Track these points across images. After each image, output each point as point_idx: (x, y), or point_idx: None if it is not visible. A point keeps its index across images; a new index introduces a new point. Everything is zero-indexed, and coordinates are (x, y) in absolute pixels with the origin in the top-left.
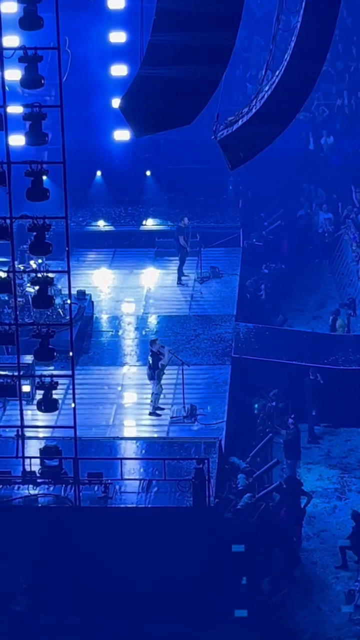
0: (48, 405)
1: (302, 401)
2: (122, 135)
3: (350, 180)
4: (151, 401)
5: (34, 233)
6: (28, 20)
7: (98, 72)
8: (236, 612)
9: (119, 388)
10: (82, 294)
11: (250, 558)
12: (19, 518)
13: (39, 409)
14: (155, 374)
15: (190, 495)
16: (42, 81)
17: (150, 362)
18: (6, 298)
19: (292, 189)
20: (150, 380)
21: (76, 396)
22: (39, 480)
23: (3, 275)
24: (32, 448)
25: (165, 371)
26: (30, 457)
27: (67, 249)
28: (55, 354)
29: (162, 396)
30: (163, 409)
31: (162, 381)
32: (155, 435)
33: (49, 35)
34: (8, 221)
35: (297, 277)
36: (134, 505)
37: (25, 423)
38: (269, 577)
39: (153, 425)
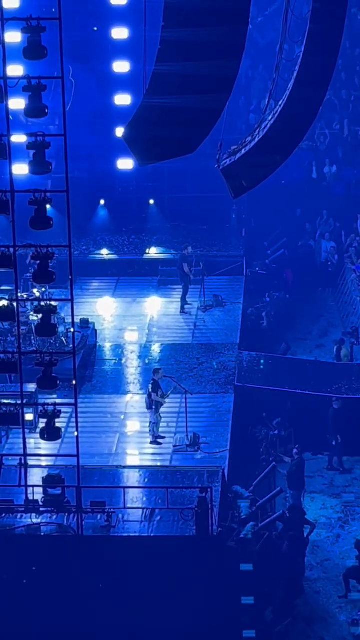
0: (51, 433)
1: (305, 430)
2: (125, 164)
3: (354, 209)
4: (150, 430)
5: (38, 261)
6: (32, 50)
7: (102, 102)
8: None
9: (122, 416)
10: (85, 323)
11: (254, 587)
12: (22, 547)
13: (42, 437)
14: (153, 403)
15: (193, 524)
16: (46, 110)
17: (150, 390)
18: (9, 326)
19: (295, 217)
20: (148, 410)
21: (79, 424)
22: (41, 509)
23: (6, 303)
24: (35, 476)
25: (165, 401)
26: (33, 486)
27: (70, 277)
28: (58, 382)
29: (165, 424)
30: (164, 437)
31: (165, 410)
32: (158, 463)
33: (52, 65)
34: (12, 249)
35: (300, 306)
36: (137, 534)
37: (28, 451)
38: (272, 606)
39: (156, 454)
